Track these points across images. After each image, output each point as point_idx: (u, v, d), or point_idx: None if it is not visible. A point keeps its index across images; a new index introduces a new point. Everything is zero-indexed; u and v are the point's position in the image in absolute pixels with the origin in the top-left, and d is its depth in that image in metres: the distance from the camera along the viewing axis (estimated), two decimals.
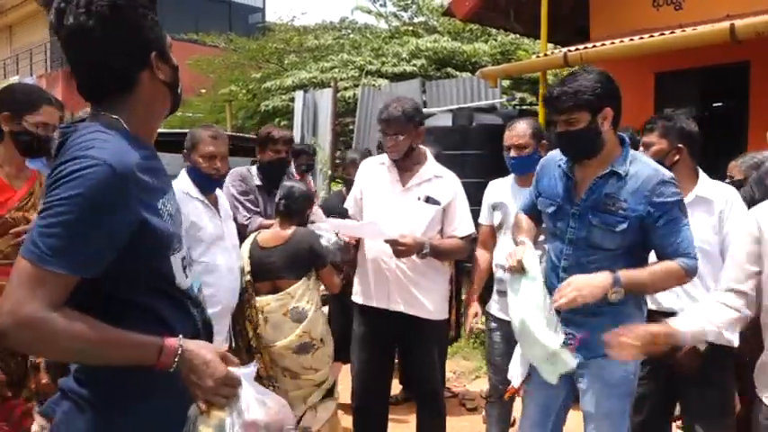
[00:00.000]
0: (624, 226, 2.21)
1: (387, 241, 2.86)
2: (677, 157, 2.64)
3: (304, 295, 3.10)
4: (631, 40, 5.45)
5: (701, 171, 2.73)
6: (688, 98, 6.79)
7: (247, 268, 3.15)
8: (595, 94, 2.17)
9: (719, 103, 6.91)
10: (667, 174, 2.24)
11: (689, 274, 2.22)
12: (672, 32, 5.21)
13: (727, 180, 3.87)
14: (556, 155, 2.42)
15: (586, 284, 2.14)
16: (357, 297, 3.17)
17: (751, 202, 2.81)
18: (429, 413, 3.23)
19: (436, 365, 3.19)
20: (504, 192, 3.18)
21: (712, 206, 2.60)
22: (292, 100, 11.64)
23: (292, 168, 5.00)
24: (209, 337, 1.58)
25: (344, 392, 3.51)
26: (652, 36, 5.30)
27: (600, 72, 2.24)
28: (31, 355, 2.20)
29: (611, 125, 2.22)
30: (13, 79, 17.01)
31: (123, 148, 1.34)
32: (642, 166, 2.24)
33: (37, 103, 2.43)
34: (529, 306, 2.30)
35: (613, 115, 2.22)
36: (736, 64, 5.90)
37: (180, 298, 1.47)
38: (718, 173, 4.54)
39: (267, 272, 3.11)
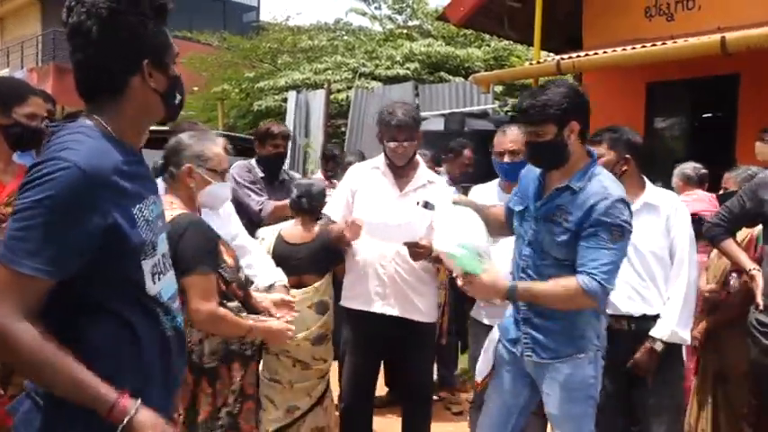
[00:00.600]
0: (565, 238, 2.26)
1: (406, 244, 2.85)
2: (625, 168, 2.76)
3: (327, 289, 3.21)
4: (624, 49, 5.49)
5: (646, 179, 2.85)
6: (679, 108, 6.85)
7: None
8: (562, 108, 2.22)
9: (709, 114, 6.97)
10: (614, 194, 2.23)
11: (589, 295, 2.20)
12: (663, 44, 5.26)
13: (722, 191, 3.93)
14: None
15: (483, 287, 2.30)
16: (349, 302, 3.14)
17: (743, 213, 2.86)
18: (419, 417, 3.23)
19: (430, 369, 3.21)
20: (490, 199, 3.13)
21: (659, 211, 2.73)
22: (285, 100, 11.61)
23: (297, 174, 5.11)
24: (180, 344, 1.58)
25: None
26: (644, 46, 5.34)
27: (569, 86, 2.32)
28: None
29: (578, 137, 2.28)
30: (3, 72, 16.89)
31: (100, 151, 1.35)
32: (595, 183, 2.26)
33: (24, 94, 2.42)
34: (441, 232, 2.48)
35: (580, 128, 2.27)
36: (726, 76, 5.96)
37: (150, 305, 1.46)
38: (707, 181, 4.59)
39: (294, 267, 3.14)
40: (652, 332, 2.68)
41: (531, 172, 2.47)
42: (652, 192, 2.79)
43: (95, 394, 1.31)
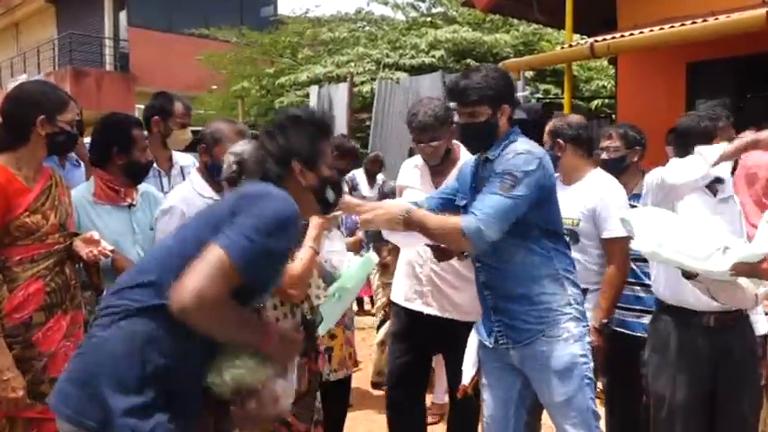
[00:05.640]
0: None
1: (428, 245, 2.86)
2: None
3: None
4: (661, 29, 5.42)
5: None
6: (721, 88, 6.72)
7: None
8: (496, 89, 2.39)
9: (755, 94, 6.84)
10: (520, 148, 2.37)
11: (465, 234, 2.26)
12: (704, 20, 5.17)
13: None
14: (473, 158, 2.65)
15: (382, 214, 2.42)
16: (395, 296, 3.27)
17: None
18: (462, 418, 3.23)
19: None
20: None
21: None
22: (307, 96, 11.68)
23: None
24: None
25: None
26: (683, 24, 5.27)
27: (501, 69, 2.52)
28: None
29: (508, 121, 2.45)
30: (21, 78, 17.24)
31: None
32: (509, 149, 2.39)
33: (66, 101, 2.53)
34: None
35: (511, 111, 2.45)
36: None
37: None
38: None
39: None
40: None
41: (464, 170, 2.64)
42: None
43: (256, 332, 1.75)
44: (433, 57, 11.89)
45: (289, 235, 1.69)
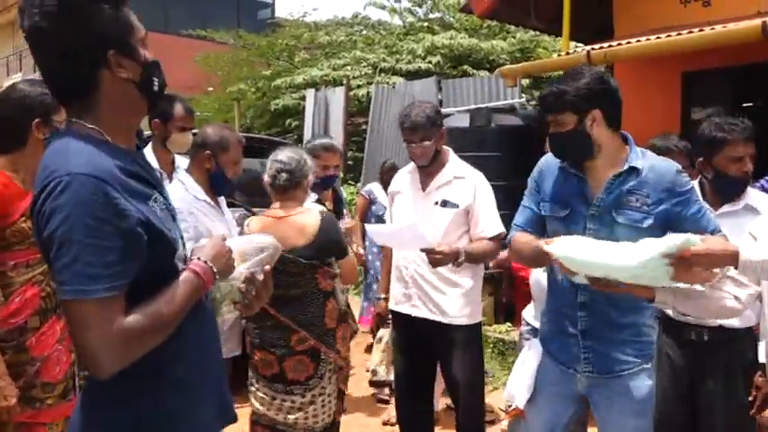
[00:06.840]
0: (650, 221, 2.18)
1: (423, 250, 2.89)
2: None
3: None
4: (658, 38, 5.43)
5: None
6: (717, 99, 6.74)
7: None
8: (579, 96, 2.16)
9: (750, 104, 6.87)
10: (677, 164, 2.28)
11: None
12: (700, 30, 5.19)
13: None
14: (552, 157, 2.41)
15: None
16: (390, 302, 3.32)
17: None
18: (464, 425, 3.22)
19: (468, 372, 3.12)
20: None
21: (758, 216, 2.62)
22: (303, 98, 11.68)
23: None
24: (212, 324, 1.65)
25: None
26: (680, 34, 5.28)
27: (593, 72, 2.24)
28: None
29: (607, 126, 2.21)
30: (17, 77, 17.18)
31: (89, 154, 1.34)
32: (655, 160, 2.26)
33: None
34: None
35: (607, 116, 2.21)
36: (767, 63, 5.87)
37: None
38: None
39: None
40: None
41: (549, 173, 2.37)
42: (753, 194, 2.72)
43: (191, 288, 1.43)
44: (430, 62, 11.91)
45: (106, 207, 1.28)
